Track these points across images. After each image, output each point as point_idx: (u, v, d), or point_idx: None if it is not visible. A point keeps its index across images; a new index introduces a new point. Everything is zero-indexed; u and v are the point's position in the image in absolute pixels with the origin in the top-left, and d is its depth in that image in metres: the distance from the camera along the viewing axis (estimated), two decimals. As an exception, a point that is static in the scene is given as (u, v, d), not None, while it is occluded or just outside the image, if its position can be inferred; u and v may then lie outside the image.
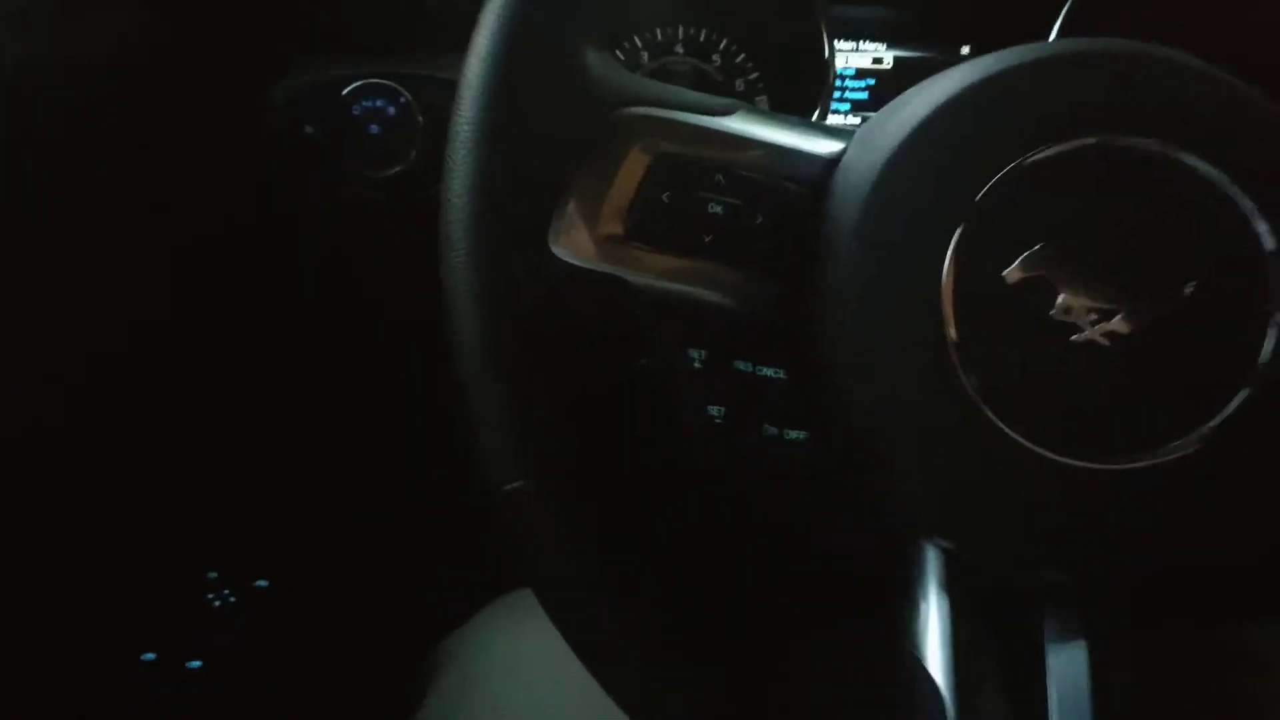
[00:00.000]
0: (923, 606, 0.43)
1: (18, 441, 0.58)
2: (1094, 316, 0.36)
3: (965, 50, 0.76)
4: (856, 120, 0.78)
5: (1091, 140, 0.36)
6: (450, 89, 0.68)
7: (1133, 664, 0.40)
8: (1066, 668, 0.39)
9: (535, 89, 0.38)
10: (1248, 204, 0.35)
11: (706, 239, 0.40)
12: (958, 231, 0.37)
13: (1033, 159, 0.36)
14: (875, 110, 0.78)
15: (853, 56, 0.77)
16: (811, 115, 0.73)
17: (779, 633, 0.51)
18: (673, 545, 0.39)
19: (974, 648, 0.41)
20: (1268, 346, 0.35)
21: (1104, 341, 0.36)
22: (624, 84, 0.41)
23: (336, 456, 0.86)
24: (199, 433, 0.78)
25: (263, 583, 0.82)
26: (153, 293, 0.68)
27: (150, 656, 0.78)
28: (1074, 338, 0.36)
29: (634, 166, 0.40)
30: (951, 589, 0.42)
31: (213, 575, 0.82)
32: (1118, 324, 0.36)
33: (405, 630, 0.65)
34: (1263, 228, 0.35)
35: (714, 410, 0.42)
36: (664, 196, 0.40)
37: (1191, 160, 0.36)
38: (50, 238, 0.56)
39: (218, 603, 0.82)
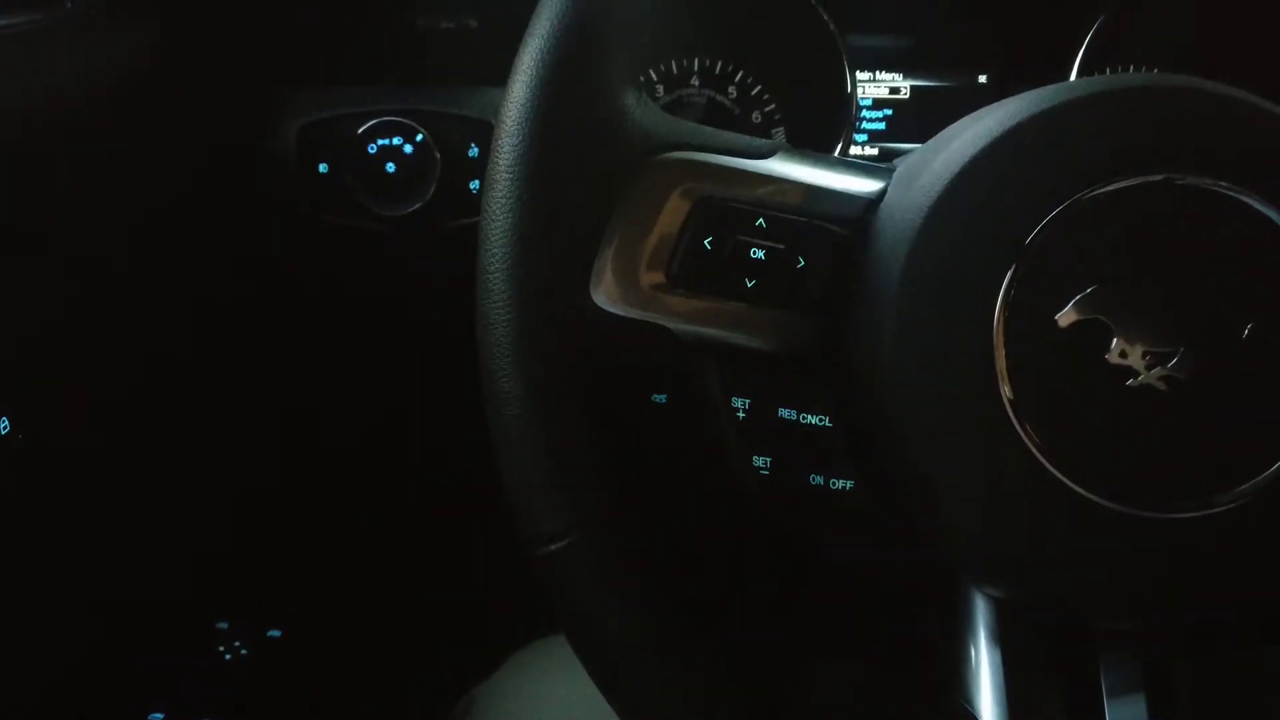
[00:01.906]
0: (974, 657, 0.42)
1: (23, 498, 0.57)
2: (1150, 360, 0.35)
3: (983, 79, 0.76)
4: (875, 151, 0.78)
5: (1157, 178, 0.35)
6: (468, 126, 0.69)
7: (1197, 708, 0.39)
8: (1125, 717, 0.38)
9: (573, 135, 0.37)
10: (1310, 246, 0.34)
11: (749, 284, 0.40)
12: (1008, 274, 0.36)
13: (1089, 197, 0.35)
14: (892, 140, 0.78)
15: (869, 87, 0.77)
16: (832, 147, 0.72)
17: (829, 687, 0.50)
18: (719, 598, 0.38)
19: (1027, 699, 0.40)
20: None
21: (1161, 386, 0.35)
22: (663, 127, 0.40)
23: (355, 501, 0.85)
24: (211, 479, 0.76)
25: (275, 633, 0.80)
26: (169, 329, 0.67)
27: (159, 717, 0.76)
28: (1130, 382, 0.35)
29: (674, 212, 0.39)
30: (1005, 639, 0.41)
31: (223, 625, 0.81)
32: (1175, 368, 0.35)
33: (428, 682, 0.64)
34: (1324, 270, 0.34)
35: (759, 460, 0.41)
36: (705, 242, 0.39)
37: (1252, 200, 0.35)
38: (69, 274, 0.55)
39: (229, 655, 0.80)
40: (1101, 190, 0.35)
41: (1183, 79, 0.37)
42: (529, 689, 0.59)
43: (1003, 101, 0.39)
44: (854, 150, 0.78)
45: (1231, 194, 0.35)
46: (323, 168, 0.69)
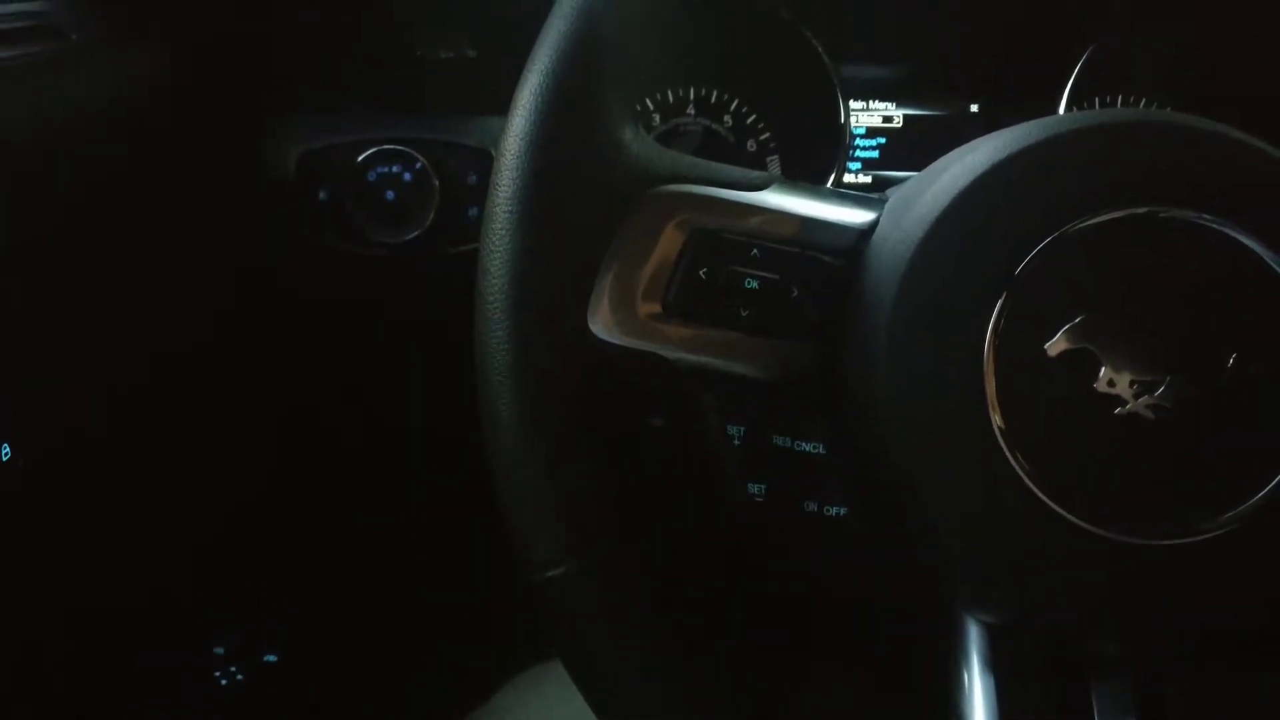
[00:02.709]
0: (968, 682, 0.42)
1: (20, 510, 0.57)
2: (1137, 389, 0.36)
3: (974, 108, 0.77)
4: (869, 179, 0.79)
5: (1140, 210, 0.36)
6: (466, 154, 0.69)
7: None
8: None
9: (571, 168, 0.38)
10: (1293, 278, 0.35)
11: (744, 313, 0.40)
12: (998, 304, 0.36)
13: (1077, 228, 0.36)
14: (886, 168, 0.79)
15: (863, 115, 0.78)
16: (826, 175, 0.73)
17: (826, 711, 0.50)
18: (714, 625, 0.39)
19: None
20: None
21: (1149, 414, 0.36)
22: (659, 160, 0.41)
23: (353, 521, 0.85)
24: (206, 501, 0.77)
25: (271, 657, 0.80)
26: (168, 353, 0.68)
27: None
28: (1118, 410, 0.36)
29: (670, 243, 0.40)
30: (997, 665, 0.41)
31: (219, 651, 0.81)
32: (1161, 396, 0.36)
33: (427, 705, 0.64)
34: (1308, 301, 0.35)
35: (754, 488, 0.42)
36: (700, 272, 0.40)
37: (1236, 233, 0.36)
38: (72, 291, 0.56)
39: (225, 680, 0.80)
40: (1088, 223, 0.36)
41: (1168, 115, 0.38)
42: (526, 713, 0.59)
43: (992, 134, 0.40)
44: (848, 178, 0.79)
45: (1215, 226, 0.36)
46: (322, 195, 0.70)
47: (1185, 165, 0.36)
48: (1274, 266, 0.35)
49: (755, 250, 0.40)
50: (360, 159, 0.69)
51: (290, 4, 0.70)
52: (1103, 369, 0.36)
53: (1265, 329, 0.36)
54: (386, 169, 0.69)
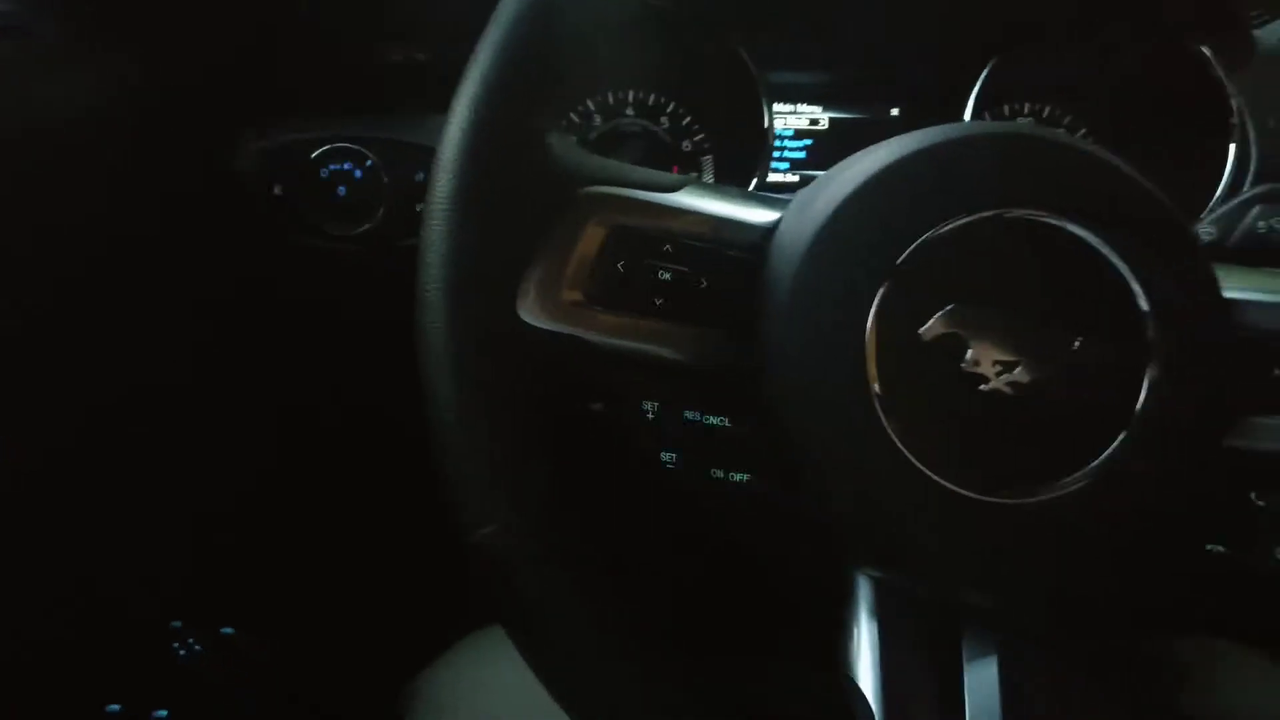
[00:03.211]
0: (856, 632, 0.47)
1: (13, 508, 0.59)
2: (999, 368, 0.41)
3: (895, 112, 0.83)
4: (796, 178, 0.84)
5: (988, 213, 0.41)
6: (414, 152, 0.74)
7: (1047, 676, 0.44)
8: (981, 683, 0.44)
9: (503, 170, 0.42)
10: (1124, 268, 0.41)
11: (658, 302, 0.45)
12: (879, 293, 0.41)
13: (944, 229, 0.41)
14: (813, 168, 0.84)
15: (791, 118, 0.83)
16: (754, 174, 0.78)
17: (731, 662, 0.55)
18: (636, 584, 0.43)
19: (901, 669, 0.45)
20: (1142, 395, 0.40)
21: (1007, 390, 0.41)
22: (582, 164, 0.45)
23: (299, 497, 0.88)
24: (164, 479, 0.79)
25: (228, 630, 0.83)
26: (135, 342, 0.71)
27: (115, 708, 0.79)
28: (982, 387, 0.41)
29: (591, 238, 0.45)
30: (881, 615, 0.46)
31: (177, 625, 0.83)
32: (1019, 374, 0.41)
33: (375, 670, 0.67)
34: (1138, 289, 0.41)
35: (666, 456, 0.46)
36: (619, 265, 0.45)
37: (1076, 230, 0.41)
38: (50, 290, 0.58)
39: (183, 652, 0.83)
40: (948, 226, 0.41)
41: (1012, 125, 0.43)
42: (473, 674, 0.62)
43: (880, 144, 0.45)
44: (777, 177, 0.84)
45: (1054, 222, 0.41)
46: (278, 189, 0.73)
47: (1031, 171, 0.41)
48: (1108, 257, 0.41)
49: (668, 245, 0.45)
50: (314, 155, 0.72)
51: (252, 13, 0.73)
52: (969, 351, 0.41)
53: (1104, 315, 0.41)
54: (339, 166, 0.72)
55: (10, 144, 0.55)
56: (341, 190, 0.72)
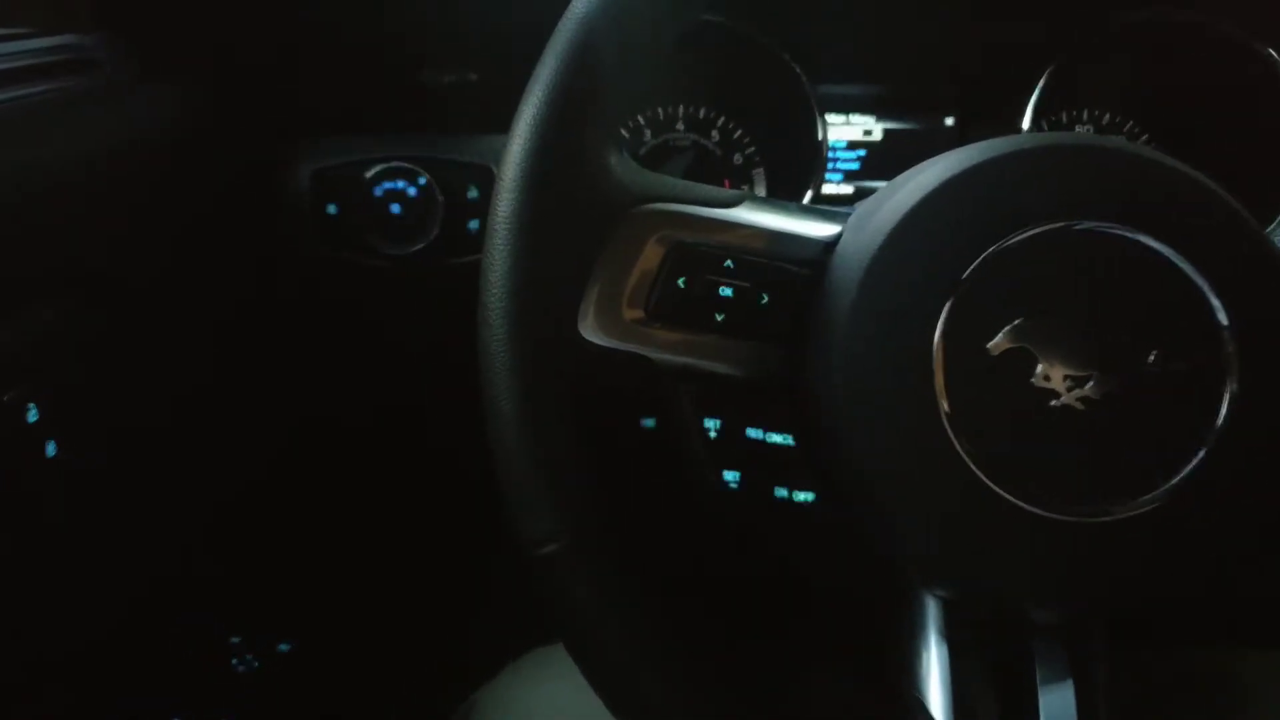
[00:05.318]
0: (924, 651, 0.46)
1: (46, 502, 0.60)
2: (1070, 383, 0.40)
3: (949, 122, 0.81)
4: (850, 189, 0.83)
5: (1058, 225, 0.40)
6: (467, 170, 0.74)
7: (1119, 694, 0.43)
8: (1056, 702, 0.43)
9: (565, 190, 0.42)
10: (1202, 281, 0.40)
11: (718, 318, 0.45)
12: (946, 307, 0.41)
13: (1011, 242, 0.41)
14: (866, 178, 0.83)
15: (843, 129, 0.82)
16: (807, 186, 0.77)
17: (798, 683, 0.54)
18: (698, 603, 0.43)
19: (971, 688, 0.45)
20: (1223, 410, 0.39)
21: (1079, 406, 0.40)
22: (641, 182, 0.45)
23: (360, 515, 0.89)
24: (224, 499, 0.81)
25: (285, 646, 0.84)
26: (194, 356, 0.72)
27: (177, 721, 0.80)
28: (1052, 403, 0.40)
29: (651, 256, 0.44)
30: (950, 635, 0.45)
31: (236, 640, 0.85)
32: (1091, 390, 0.40)
33: (432, 686, 0.67)
34: (1216, 302, 0.39)
35: (730, 475, 0.46)
36: (679, 281, 0.44)
37: (1149, 241, 0.40)
38: (108, 313, 0.60)
39: (242, 667, 0.84)
40: (1015, 238, 0.40)
41: (1083, 136, 0.42)
42: (529, 693, 0.62)
43: (943, 155, 0.44)
44: (831, 188, 0.83)
45: (1127, 235, 0.40)
46: (332, 209, 0.74)
47: (1102, 183, 0.41)
48: (1184, 269, 0.40)
49: (728, 261, 0.45)
50: (368, 175, 0.73)
51: (306, 39, 0.74)
52: (1039, 365, 0.40)
53: (1180, 328, 0.40)
54: (392, 185, 0.73)
55: (76, 171, 0.56)
56: (396, 208, 0.73)
